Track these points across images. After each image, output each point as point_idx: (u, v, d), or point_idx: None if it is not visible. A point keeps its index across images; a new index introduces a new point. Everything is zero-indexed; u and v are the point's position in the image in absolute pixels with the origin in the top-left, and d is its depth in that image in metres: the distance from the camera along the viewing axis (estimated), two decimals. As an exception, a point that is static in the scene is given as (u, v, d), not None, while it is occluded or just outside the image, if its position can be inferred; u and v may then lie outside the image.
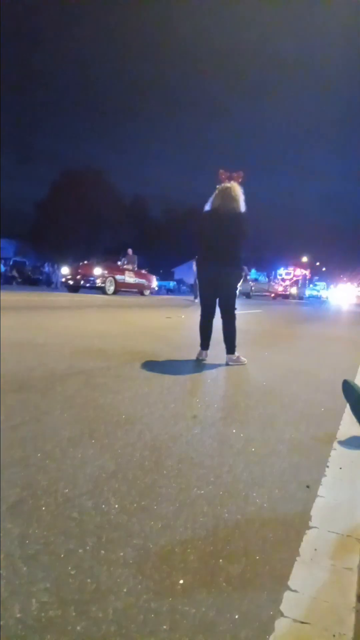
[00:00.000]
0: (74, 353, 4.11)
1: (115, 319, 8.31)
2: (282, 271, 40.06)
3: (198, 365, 4.08)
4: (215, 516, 1.44)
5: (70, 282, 17.97)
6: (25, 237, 47.75)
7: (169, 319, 8.87)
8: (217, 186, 4.25)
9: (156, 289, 23.60)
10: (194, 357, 4.29)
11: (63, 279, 18.65)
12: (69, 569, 1.12)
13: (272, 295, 34.86)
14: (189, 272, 32.60)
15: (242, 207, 4.16)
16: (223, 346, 4.23)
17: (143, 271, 20.70)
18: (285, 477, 1.78)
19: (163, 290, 37.26)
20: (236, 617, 1.01)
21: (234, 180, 4.27)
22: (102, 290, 17.31)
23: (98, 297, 15.25)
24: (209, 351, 4.33)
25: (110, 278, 17.70)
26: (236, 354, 4.21)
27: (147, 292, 20.76)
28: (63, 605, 1.00)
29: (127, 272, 18.92)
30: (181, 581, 1.11)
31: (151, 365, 3.83)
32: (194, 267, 4.40)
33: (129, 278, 19.08)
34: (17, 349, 4.12)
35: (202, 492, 1.59)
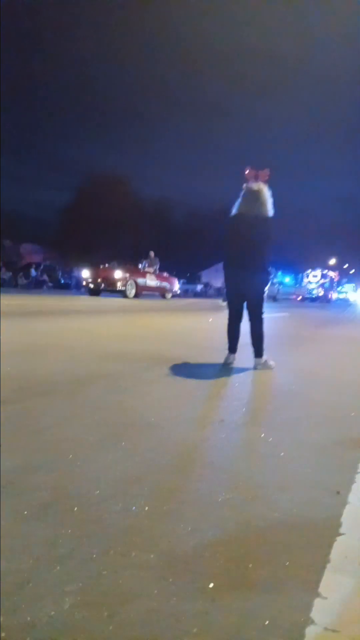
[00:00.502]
0: (101, 357, 4.16)
1: (142, 323, 8.37)
2: (309, 273, 39.53)
3: (225, 368, 4.07)
4: (242, 521, 1.43)
5: (91, 286, 17.81)
6: (52, 242, 48.55)
7: (196, 322, 8.88)
8: (244, 185, 4.16)
9: (178, 292, 23.15)
10: (221, 360, 4.26)
11: (84, 283, 18.60)
12: (100, 569, 1.14)
13: (299, 298, 34.40)
14: (216, 275, 32.45)
15: (270, 211, 4.09)
16: (251, 349, 4.18)
17: (165, 274, 20.40)
18: (313, 482, 1.76)
19: (190, 294, 37.29)
20: (266, 622, 1.01)
21: (260, 178, 4.18)
22: (122, 293, 17.09)
23: (119, 301, 15.22)
24: (236, 355, 4.26)
25: (131, 281, 17.46)
26: (264, 357, 4.14)
27: (168, 295, 20.40)
28: (95, 606, 1.02)
29: (148, 275, 18.63)
30: (210, 585, 1.12)
31: (177, 369, 3.84)
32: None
33: (150, 281, 18.76)
34: (43, 353, 4.20)
35: (229, 496, 1.59)
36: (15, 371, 3.32)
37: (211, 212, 57.10)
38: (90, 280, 17.82)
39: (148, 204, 58.10)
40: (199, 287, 41.36)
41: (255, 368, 4.08)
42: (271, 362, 4.16)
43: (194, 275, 51.09)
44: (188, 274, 49.44)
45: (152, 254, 19.67)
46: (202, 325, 8.59)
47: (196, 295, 37.20)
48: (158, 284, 19.38)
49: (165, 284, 19.97)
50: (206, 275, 51.09)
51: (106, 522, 1.37)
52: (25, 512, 1.39)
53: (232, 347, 4.24)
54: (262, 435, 2.29)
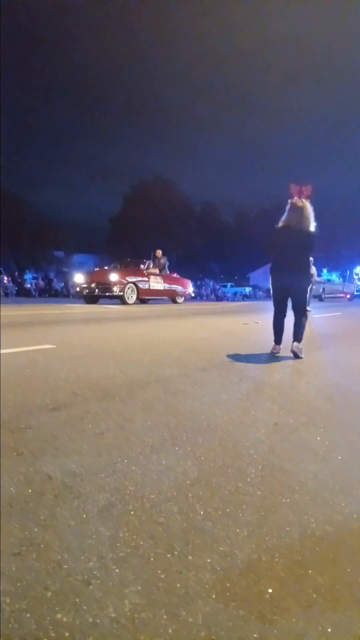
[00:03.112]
0: (151, 361, 4.21)
1: (186, 326, 8.39)
2: (358, 270, 38.00)
3: (276, 370, 4.02)
4: (302, 525, 1.41)
5: (85, 292, 15.40)
6: (103, 250, 49.73)
7: (246, 325, 8.80)
8: (290, 201, 4.74)
9: (192, 294, 20.64)
10: (271, 363, 4.25)
11: (77, 289, 16.04)
12: (159, 572, 1.15)
13: (347, 296, 31.84)
14: (265, 277, 31.91)
15: (312, 224, 4.64)
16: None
17: (174, 275, 17.87)
18: (375, 485, 1.70)
19: (239, 297, 37.07)
20: (328, 630, 0.99)
21: (303, 193, 4.88)
22: (121, 299, 14.83)
23: (115, 309, 13.03)
24: (281, 346, 4.80)
25: (131, 285, 15.06)
26: (300, 345, 4.63)
27: (180, 300, 17.89)
28: (154, 607, 1.03)
29: (152, 278, 16.07)
30: (269, 590, 1.10)
31: (227, 371, 3.82)
32: None
33: (156, 284, 16.19)
34: (97, 359, 4.30)
35: (287, 500, 1.57)
36: (71, 376, 3.42)
37: (259, 213, 56.60)
38: (84, 285, 15.49)
39: (196, 206, 58.35)
40: (248, 290, 40.97)
41: (292, 350, 4.59)
42: (302, 353, 4.60)
43: (242, 277, 50.73)
44: (236, 277, 49.18)
45: (159, 252, 17.30)
46: (252, 326, 8.50)
47: (245, 297, 36.93)
48: (165, 287, 16.82)
49: (174, 286, 17.40)
50: (254, 278, 50.57)
51: (164, 525, 1.38)
52: (84, 515, 1.42)
53: (278, 339, 4.87)
54: (318, 438, 2.23)
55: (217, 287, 40.03)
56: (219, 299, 34.73)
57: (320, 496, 1.60)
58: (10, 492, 1.56)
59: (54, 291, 29.77)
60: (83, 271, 17.55)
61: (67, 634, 0.95)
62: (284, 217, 4.71)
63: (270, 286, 4.97)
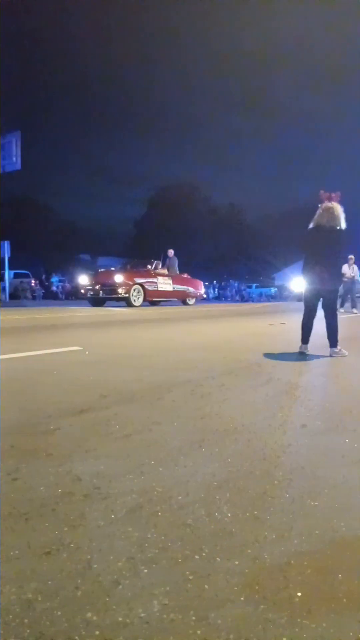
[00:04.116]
0: (177, 363, 4.22)
1: (211, 328, 8.38)
2: None
3: (304, 371, 3.97)
4: (332, 529, 1.39)
5: (90, 294, 14.82)
6: (128, 255, 50.18)
7: (272, 326, 8.74)
8: (319, 205, 4.86)
9: (204, 295, 20.13)
10: (299, 365, 4.22)
11: (82, 291, 15.44)
12: (187, 574, 1.15)
13: None
14: (290, 277, 31.45)
15: (343, 224, 4.75)
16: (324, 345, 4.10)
17: (185, 275, 17.21)
18: None
19: (264, 297, 36.78)
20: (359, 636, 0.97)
21: (333, 199, 4.79)
22: (126, 301, 14.29)
23: (135, 311, 12.86)
24: (308, 345, 4.93)
25: (137, 287, 14.50)
26: (338, 347, 4.78)
27: (191, 301, 17.38)
28: (183, 609, 1.03)
29: (160, 278, 15.45)
30: (299, 594, 1.09)
31: (254, 373, 3.80)
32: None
33: (165, 285, 15.56)
34: (123, 361, 4.33)
35: (316, 503, 1.55)
36: (98, 378, 3.46)
37: (284, 214, 56.08)
38: (89, 287, 14.92)
39: (221, 209, 58.20)
40: (273, 290, 40.55)
41: (330, 356, 4.73)
42: (344, 351, 4.78)
43: (267, 278, 50.27)
44: (261, 277, 48.78)
45: (170, 252, 16.77)
46: (279, 327, 8.42)
47: (270, 298, 36.60)
48: (176, 288, 16.16)
49: (185, 287, 16.81)
50: (279, 278, 50.05)
51: (191, 527, 1.38)
52: (113, 516, 1.44)
53: (305, 338, 4.95)
54: (347, 440, 2.20)
55: (242, 287, 39.79)
56: (243, 299, 34.53)
57: (350, 500, 1.58)
58: (41, 492, 1.59)
59: (80, 294, 30.11)
60: (87, 272, 16.92)
61: (97, 633, 0.96)
62: (314, 218, 4.87)
63: (305, 285, 5.05)
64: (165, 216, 51.62)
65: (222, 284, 40.31)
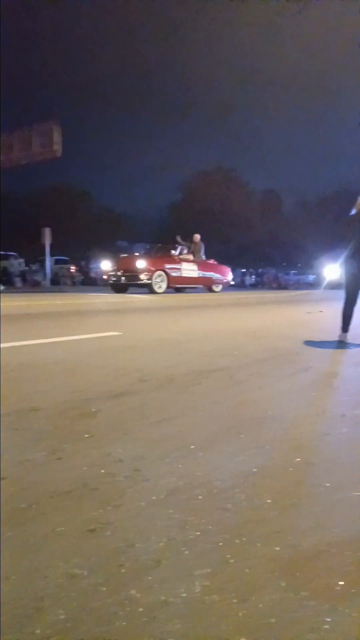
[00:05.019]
0: (213, 350, 4.22)
1: (247, 315, 8.31)
2: None
3: (343, 360, 3.91)
4: (373, 519, 1.37)
5: (112, 280, 14.39)
6: (164, 241, 50.22)
7: (309, 314, 8.60)
8: None
9: (232, 282, 19.25)
10: (338, 353, 4.16)
11: (104, 277, 15.13)
12: (228, 557, 1.17)
13: None
14: (328, 264, 30.69)
15: None
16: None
17: (211, 261, 16.49)
18: None
19: (303, 284, 36.11)
20: None
21: None
22: (149, 287, 13.77)
23: (145, 298, 12.42)
24: (348, 334, 4.83)
25: (160, 272, 13.97)
26: None
27: (217, 288, 16.62)
28: (223, 591, 1.05)
29: (185, 264, 14.83)
30: (341, 582, 1.09)
31: (291, 361, 3.76)
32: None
33: (190, 271, 14.96)
34: (160, 347, 4.37)
35: (357, 493, 1.53)
36: (137, 363, 3.51)
37: (322, 199, 54.68)
38: (112, 273, 14.45)
39: (258, 194, 57.36)
40: (312, 277, 39.69)
41: None
42: None
43: (305, 264, 49.30)
44: (299, 264, 47.84)
45: (196, 236, 15.99)
46: (316, 315, 8.27)
47: (309, 285, 35.90)
48: (201, 275, 15.56)
49: (211, 274, 16.16)
50: (318, 265, 48.95)
51: (230, 511, 1.39)
52: (154, 497, 1.47)
53: (345, 327, 4.88)
54: (390, 431, 2.15)
55: (280, 274, 39.17)
56: (281, 287, 34.02)
57: (392, 491, 1.55)
58: (84, 471, 1.64)
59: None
60: (111, 258, 16.35)
61: (140, 610, 0.99)
62: (357, 204, 4.84)
63: (344, 274, 4.97)
64: (201, 202, 51.25)
65: (259, 270, 39.79)
